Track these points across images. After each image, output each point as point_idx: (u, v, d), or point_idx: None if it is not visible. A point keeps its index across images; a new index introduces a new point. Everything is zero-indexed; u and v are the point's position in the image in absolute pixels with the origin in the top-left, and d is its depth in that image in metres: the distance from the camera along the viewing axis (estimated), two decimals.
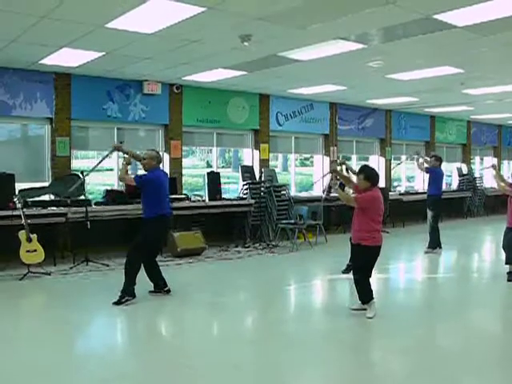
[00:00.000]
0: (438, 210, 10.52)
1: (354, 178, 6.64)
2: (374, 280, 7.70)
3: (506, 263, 8.01)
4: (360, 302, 6.14)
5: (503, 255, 8.18)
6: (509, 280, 7.84)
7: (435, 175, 10.54)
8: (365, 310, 6.09)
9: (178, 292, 7.17)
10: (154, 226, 6.70)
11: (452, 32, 6.99)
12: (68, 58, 8.56)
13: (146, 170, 6.85)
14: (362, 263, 6.10)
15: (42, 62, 8.82)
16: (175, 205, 10.05)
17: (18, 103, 9.47)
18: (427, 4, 5.96)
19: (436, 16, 6.35)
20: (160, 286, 7.01)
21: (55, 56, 8.44)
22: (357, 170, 6.37)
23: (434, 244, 10.29)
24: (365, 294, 6.09)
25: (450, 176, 19.09)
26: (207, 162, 22.01)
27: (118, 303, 6.49)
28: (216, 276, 8.56)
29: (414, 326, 5.85)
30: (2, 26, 6.77)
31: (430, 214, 10.40)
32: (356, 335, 5.65)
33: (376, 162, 15.94)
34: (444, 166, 18.44)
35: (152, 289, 7.04)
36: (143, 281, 6.89)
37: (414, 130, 16.84)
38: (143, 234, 6.70)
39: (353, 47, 7.92)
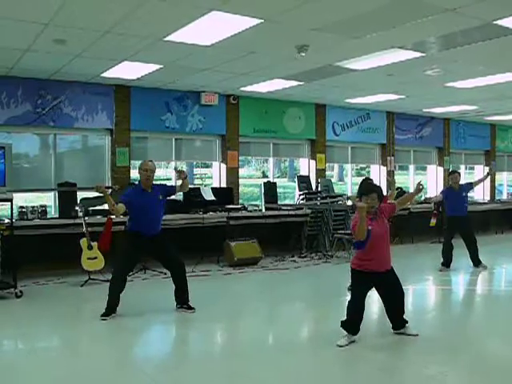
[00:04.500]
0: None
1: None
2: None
3: None
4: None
5: None
6: None
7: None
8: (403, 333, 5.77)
9: (232, 301, 7.23)
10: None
11: None
12: (128, 70, 8.80)
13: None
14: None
15: (103, 75, 9.09)
16: (232, 214, 10.17)
17: (80, 115, 9.78)
18: (488, 10, 5.82)
19: (497, 22, 6.21)
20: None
21: (116, 69, 8.69)
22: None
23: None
24: None
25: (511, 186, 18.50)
26: (263, 171, 22.16)
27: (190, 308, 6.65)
28: (271, 285, 8.57)
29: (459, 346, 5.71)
30: (68, 41, 7.01)
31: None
32: (407, 352, 5.53)
33: (434, 172, 15.67)
34: (505, 176, 18.05)
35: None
36: (201, 291, 6.95)
37: (473, 138, 16.39)
38: (172, 245, 6.81)
39: (410, 56, 7.83)
